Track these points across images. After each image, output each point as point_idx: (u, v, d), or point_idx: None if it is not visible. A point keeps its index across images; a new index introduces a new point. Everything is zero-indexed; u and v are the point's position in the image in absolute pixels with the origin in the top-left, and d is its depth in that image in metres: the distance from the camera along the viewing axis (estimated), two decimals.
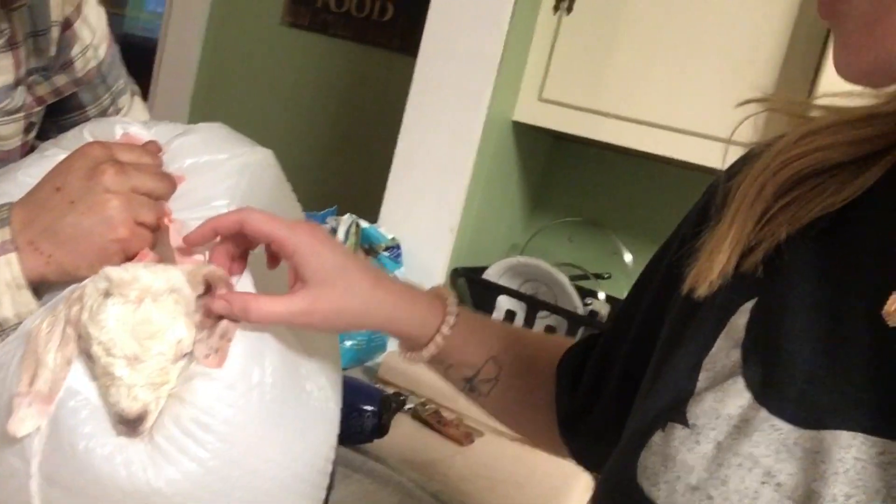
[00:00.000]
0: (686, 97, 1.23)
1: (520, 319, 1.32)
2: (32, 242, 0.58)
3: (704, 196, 0.51)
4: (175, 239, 0.64)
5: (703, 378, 0.41)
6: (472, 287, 1.36)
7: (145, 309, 0.54)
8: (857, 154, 0.41)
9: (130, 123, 0.71)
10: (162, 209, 0.64)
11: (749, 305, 0.42)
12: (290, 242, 0.55)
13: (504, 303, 1.32)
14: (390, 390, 1.09)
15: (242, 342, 0.57)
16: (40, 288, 0.59)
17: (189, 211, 0.66)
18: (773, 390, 0.38)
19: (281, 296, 0.55)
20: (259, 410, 0.58)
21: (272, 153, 0.75)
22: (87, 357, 0.55)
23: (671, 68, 1.24)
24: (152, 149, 0.67)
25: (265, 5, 1.87)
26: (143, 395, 0.53)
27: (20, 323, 0.57)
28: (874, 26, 0.32)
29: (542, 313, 1.30)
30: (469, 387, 0.66)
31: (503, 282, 1.35)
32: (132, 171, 0.61)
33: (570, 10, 1.32)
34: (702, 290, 0.42)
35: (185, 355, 0.56)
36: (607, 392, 0.58)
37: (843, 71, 0.35)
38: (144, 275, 0.55)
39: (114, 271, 0.55)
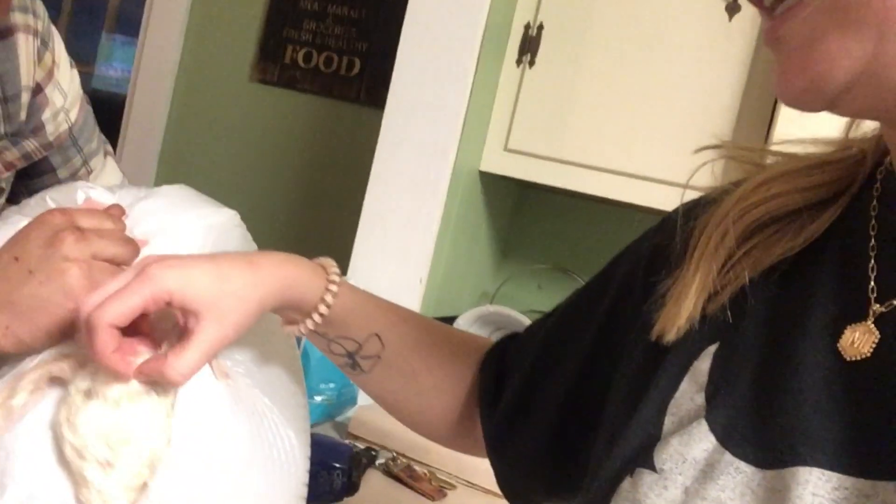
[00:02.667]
0: (645, 144, 1.26)
1: None
2: None
3: (658, 234, 0.52)
4: None
5: (668, 422, 0.42)
6: None
7: (122, 413, 0.53)
8: (811, 200, 0.43)
9: (93, 188, 0.71)
10: None
11: (712, 349, 0.43)
12: (157, 295, 0.51)
13: None
14: (361, 445, 1.08)
15: (198, 413, 0.56)
16: None
17: None
18: (735, 433, 0.38)
19: (186, 340, 0.52)
20: (223, 477, 0.57)
21: (237, 214, 0.75)
22: (61, 454, 0.54)
23: (630, 117, 1.28)
24: (115, 213, 0.67)
25: (234, 62, 1.89)
26: (116, 498, 0.52)
27: None
28: (810, 50, 0.34)
29: None
30: (351, 363, 0.64)
31: (474, 331, 1.36)
32: (93, 237, 0.61)
33: (532, 63, 1.36)
34: (670, 336, 0.43)
35: (160, 460, 0.55)
36: (537, 420, 0.57)
37: (782, 94, 0.36)
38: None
39: (98, 367, 0.54)
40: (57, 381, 0.56)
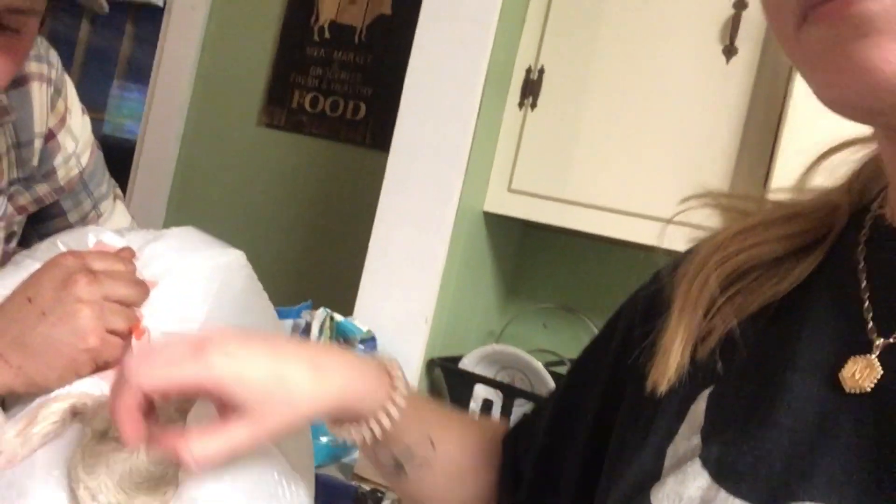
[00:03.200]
0: (647, 184, 1.28)
1: (497, 408, 1.32)
2: (1, 354, 0.58)
3: (651, 285, 0.53)
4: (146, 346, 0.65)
5: (667, 465, 0.42)
6: (448, 377, 1.36)
7: (137, 459, 0.53)
8: (791, 247, 0.44)
9: (103, 231, 0.73)
10: (134, 316, 0.65)
11: (707, 392, 0.43)
12: (206, 381, 0.47)
13: (481, 391, 1.32)
14: (367, 487, 1.07)
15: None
16: (7, 400, 0.59)
17: (161, 315, 0.67)
18: (730, 470, 0.39)
19: (218, 428, 0.48)
20: None
21: (243, 254, 0.77)
22: (72, 494, 0.54)
23: (631, 157, 1.30)
24: (126, 256, 0.68)
25: (242, 107, 1.93)
26: None
27: None
28: None
29: (518, 401, 1.30)
30: (396, 466, 0.58)
31: (479, 370, 1.36)
32: (104, 279, 0.62)
33: (534, 105, 1.38)
34: (661, 388, 0.44)
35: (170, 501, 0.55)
36: (563, 490, 0.57)
37: (845, 85, 0.31)
38: None
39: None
40: (78, 415, 0.57)
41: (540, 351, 1.45)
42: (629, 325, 0.53)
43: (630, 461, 0.45)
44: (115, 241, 0.71)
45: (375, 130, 1.77)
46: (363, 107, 1.80)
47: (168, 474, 0.55)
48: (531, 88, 1.38)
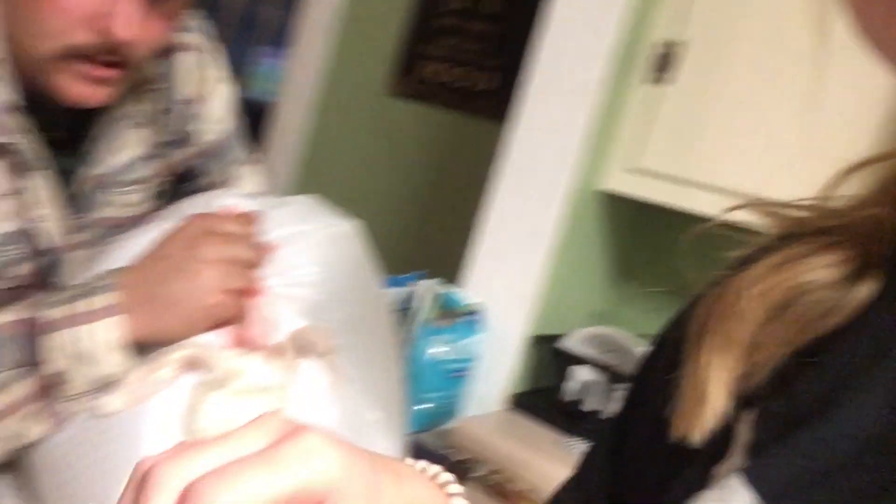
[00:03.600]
0: (779, 168, 1.21)
1: (598, 391, 1.31)
2: (134, 306, 0.64)
3: (672, 326, 0.48)
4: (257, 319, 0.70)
5: (707, 483, 0.41)
6: (550, 355, 1.37)
7: (242, 406, 0.58)
8: (840, 275, 0.40)
9: (233, 195, 0.78)
10: (252, 278, 0.70)
11: (752, 416, 0.41)
12: (312, 486, 0.30)
13: (582, 373, 1.32)
14: (462, 456, 1.11)
15: (306, 418, 0.61)
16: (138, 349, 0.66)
17: (276, 278, 0.72)
18: (782, 493, 0.38)
19: None
20: None
21: (356, 225, 0.80)
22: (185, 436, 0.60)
23: (766, 139, 1.23)
24: (249, 220, 0.73)
25: (372, 76, 1.98)
26: None
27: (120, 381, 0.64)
28: None
29: (620, 386, 1.29)
30: None
31: (582, 351, 1.35)
32: (228, 241, 0.67)
33: (666, 81, 1.33)
34: (696, 439, 0.40)
35: None
36: None
37: None
38: (253, 369, 0.60)
39: (227, 360, 0.60)
40: (196, 365, 0.62)
41: (648, 336, 1.42)
42: (652, 368, 0.50)
43: (674, 482, 0.43)
44: (242, 205, 0.77)
45: (503, 102, 1.77)
46: (492, 78, 1.80)
47: None
48: (665, 63, 1.33)
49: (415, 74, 1.90)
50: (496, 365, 1.34)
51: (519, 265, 1.33)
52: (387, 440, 0.67)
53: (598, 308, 1.54)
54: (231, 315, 0.67)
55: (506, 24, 1.79)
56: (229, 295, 0.66)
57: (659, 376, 0.47)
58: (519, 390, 1.36)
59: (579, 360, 1.33)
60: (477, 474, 1.08)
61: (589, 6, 1.30)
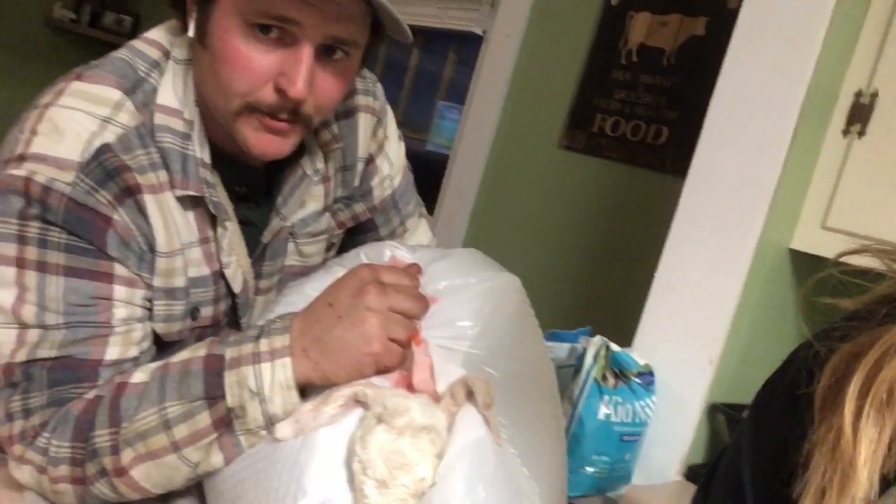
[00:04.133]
0: None
1: None
2: (305, 349, 0.67)
3: (783, 376, 0.42)
4: (418, 365, 0.70)
5: None
6: (731, 426, 1.26)
7: (403, 442, 0.60)
8: None
9: (398, 247, 0.80)
10: (414, 328, 0.71)
11: None
12: None
13: None
14: None
15: (461, 466, 0.60)
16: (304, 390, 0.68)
17: (437, 330, 0.72)
18: None
19: None
20: None
21: (517, 279, 0.79)
22: (349, 469, 0.62)
23: None
24: (413, 272, 0.75)
25: (545, 130, 1.99)
26: None
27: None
28: None
29: None
30: None
31: None
32: (392, 292, 0.69)
33: (861, 133, 1.22)
34: None
35: (423, 493, 0.61)
36: None
37: None
38: (415, 408, 0.62)
39: (391, 399, 0.62)
40: (361, 403, 0.65)
41: None
42: (773, 426, 0.44)
43: None
44: (406, 257, 0.79)
45: (676, 156, 1.70)
46: (665, 131, 1.74)
47: (427, 463, 0.60)
48: (860, 114, 1.22)
49: (588, 128, 1.88)
50: (670, 432, 1.26)
51: (698, 326, 1.25)
52: (538, 499, 0.64)
53: None
54: (393, 363, 0.68)
55: (680, 75, 1.73)
56: (392, 343, 0.68)
57: (774, 444, 0.41)
58: (695, 461, 1.26)
59: None
60: None
61: (777, 55, 1.23)
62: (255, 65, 0.71)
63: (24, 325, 0.69)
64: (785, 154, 1.21)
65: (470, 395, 0.64)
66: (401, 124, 1.06)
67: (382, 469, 0.59)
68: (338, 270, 0.78)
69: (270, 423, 0.67)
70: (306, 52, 0.70)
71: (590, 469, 1.12)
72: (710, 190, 1.28)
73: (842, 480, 0.36)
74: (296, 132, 0.76)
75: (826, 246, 1.24)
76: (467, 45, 2.40)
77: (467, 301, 0.73)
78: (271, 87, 0.71)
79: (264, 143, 0.75)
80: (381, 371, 0.68)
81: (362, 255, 0.80)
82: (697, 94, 1.66)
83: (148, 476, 0.69)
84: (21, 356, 0.70)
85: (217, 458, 0.68)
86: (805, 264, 1.31)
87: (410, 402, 0.62)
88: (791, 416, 0.41)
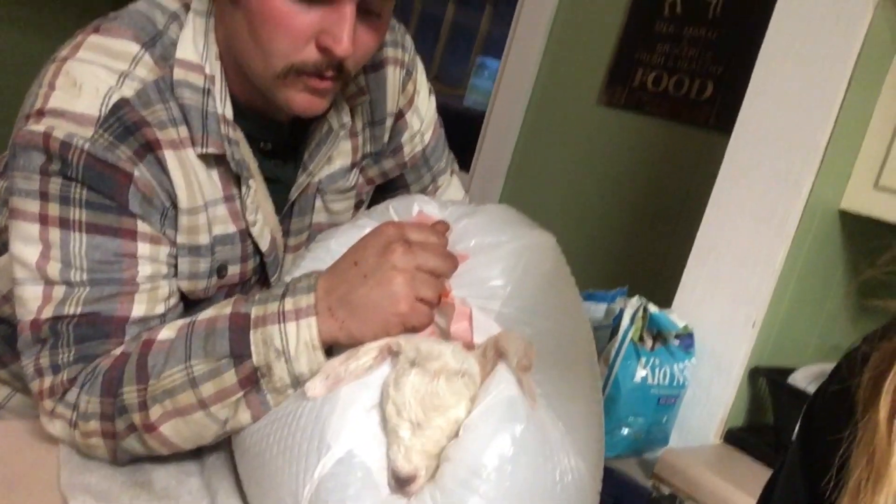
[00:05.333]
0: None
1: None
2: (330, 309, 0.66)
3: (832, 383, 0.41)
4: (457, 314, 0.68)
5: None
6: (773, 390, 1.22)
7: (438, 384, 0.60)
8: None
9: (427, 202, 0.78)
10: (443, 286, 0.68)
11: None
12: None
13: None
14: (665, 490, 1.02)
15: (488, 424, 0.58)
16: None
17: (467, 289, 0.70)
18: None
19: None
20: (508, 488, 0.58)
21: (552, 237, 0.76)
22: (382, 414, 0.62)
23: None
24: (440, 229, 0.72)
25: (584, 85, 1.93)
26: (417, 460, 0.59)
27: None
28: None
29: None
30: None
31: (813, 389, 1.19)
32: (419, 250, 0.67)
33: None
34: None
35: (456, 435, 0.60)
36: None
37: None
38: (447, 354, 0.61)
39: (424, 344, 0.62)
40: (393, 354, 0.64)
41: None
42: (823, 429, 0.43)
43: None
44: (435, 213, 0.76)
45: (721, 112, 1.64)
46: (710, 85, 1.67)
47: (462, 406, 0.60)
48: None
49: (629, 83, 1.82)
50: (710, 395, 1.23)
51: (741, 288, 1.21)
52: (574, 457, 0.62)
53: (835, 342, 1.36)
54: (421, 323, 0.67)
55: (726, 27, 1.65)
56: (420, 303, 0.66)
57: (824, 447, 0.40)
58: (735, 425, 1.23)
59: (806, 399, 1.17)
60: None
61: (830, 4, 1.15)
62: (297, 23, 0.68)
63: (49, 282, 0.69)
64: (838, 109, 1.15)
65: (502, 356, 0.62)
66: (436, 80, 1.03)
67: (417, 410, 0.59)
68: (365, 223, 0.76)
69: (297, 382, 0.66)
70: (349, 8, 0.68)
71: (625, 430, 1.10)
72: (756, 147, 1.22)
73: (876, 476, 0.36)
74: (335, 89, 0.75)
75: (878, 207, 1.19)
76: None
77: (499, 259, 0.70)
78: (313, 45, 0.69)
79: (307, 102, 0.73)
80: (409, 331, 0.67)
81: (391, 208, 0.78)
82: (744, 46, 1.59)
83: (177, 432, 0.69)
84: (48, 313, 0.69)
85: (245, 416, 0.68)
86: (856, 226, 1.26)
87: (443, 348, 0.62)
88: (839, 418, 0.40)
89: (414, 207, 0.76)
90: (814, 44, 1.17)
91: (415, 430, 0.59)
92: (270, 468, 0.64)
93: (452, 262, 0.69)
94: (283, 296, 0.67)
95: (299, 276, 0.70)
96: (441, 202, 0.78)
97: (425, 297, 0.66)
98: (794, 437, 0.50)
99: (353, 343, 0.65)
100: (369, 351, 0.63)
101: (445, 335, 0.68)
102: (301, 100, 0.73)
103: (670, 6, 1.76)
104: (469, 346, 0.66)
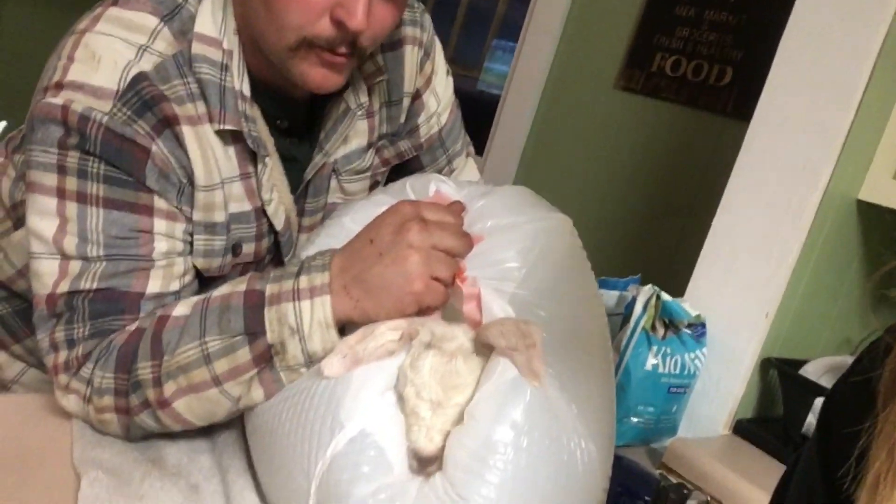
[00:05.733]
0: None
1: None
2: (345, 287, 0.65)
3: (852, 375, 0.40)
4: (466, 296, 0.68)
5: None
6: (784, 382, 1.21)
7: (457, 364, 0.60)
8: None
9: (444, 182, 0.77)
10: (458, 266, 0.68)
11: None
12: None
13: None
14: (673, 480, 1.01)
15: (489, 406, 0.58)
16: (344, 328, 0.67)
17: (482, 270, 0.69)
18: None
19: None
20: (514, 472, 0.58)
21: (569, 220, 0.76)
22: (400, 397, 0.61)
23: None
24: (456, 209, 0.72)
25: (601, 69, 1.91)
26: (438, 439, 0.59)
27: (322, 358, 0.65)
28: None
29: None
30: None
31: (824, 382, 1.18)
32: (435, 229, 0.66)
33: None
34: None
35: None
36: None
37: None
38: (461, 335, 0.62)
39: (438, 327, 0.62)
40: (405, 336, 0.63)
41: None
42: (841, 422, 0.42)
43: None
44: (452, 193, 0.76)
45: (740, 98, 1.62)
46: (729, 71, 1.65)
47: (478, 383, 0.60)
48: None
49: (646, 67, 1.80)
50: (720, 385, 1.22)
51: (755, 278, 1.20)
52: (586, 439, 0.62)
53: (850, 335, 1.35)
54: (436, 302, 0.66)
55: (748, 11, 1.63)
56: (435, 282, 0.66)
57: (842, 440, 0.40)
58: (743, 416, 1.22)
59: (820, 392, 1.16)
60: (690, 502, 0.98)
61: None
62: None
63: (65, 256, 0.69)
64: (859, 98, 1.14)
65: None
66: (451, 62, 1.02)
67: (437, 390, 0.59)
68: (381, 199, 0.75)
69: (310, 360, 0.65)
70: None
71: (635, 419, 1.09)
72: (775, 135, 1.21)
73: (890, 483, 0.35)
74: (351, 65, 0.74)
75: None
76: None
77: (515, 241, 0.70)
78: (328, 18, 0.68)
79: (321, 77, 0.72)
80: (423, 311, 0.66)
81: (407, 185, 0.77)
82: (766, 32, 1.57)
83: (190, 408, 0.69)
84: (63, 287, 0.69)
85: (258, 393, 0.67)
86: (874, 216, 1.24)
87: (456, 330, 0.62)
88: (859, 410, 0.40)
89: (431, 186, 0.76)
90: (837, 31, 1.16)
91: (435, 410, 0.59)
92: (282, 446, 0.64)
93: (468, 242, 0.68)
94: (298, 273, 0.67)
95: (314, 253, 0.70)
96: (458, 182, 0.78)
97: (440, 276, 0.65)
98: (812, 428, 0.50)
99: (368, 321, 0.65)
100: (386, 332, 0.63)
101: (458, 315, 0.67)
102: (316, 74, 0.72)
103: None
104: (477, 326, 0.65)
